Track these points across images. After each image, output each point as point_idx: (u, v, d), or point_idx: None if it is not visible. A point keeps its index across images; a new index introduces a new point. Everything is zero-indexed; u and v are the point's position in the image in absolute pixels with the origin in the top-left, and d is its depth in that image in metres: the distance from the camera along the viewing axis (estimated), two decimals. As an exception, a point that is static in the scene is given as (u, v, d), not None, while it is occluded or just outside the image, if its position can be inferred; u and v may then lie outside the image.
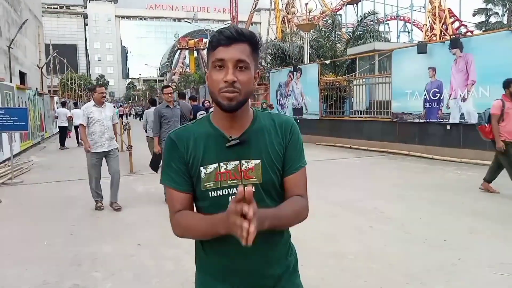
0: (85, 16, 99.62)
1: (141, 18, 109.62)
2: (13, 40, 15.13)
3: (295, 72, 15.47)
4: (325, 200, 6.08)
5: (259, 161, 1.26)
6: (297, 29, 25.68)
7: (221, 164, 1.25)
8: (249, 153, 1.26)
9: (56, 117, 16.43)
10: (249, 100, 1.28)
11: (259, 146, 1.27)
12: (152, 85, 73.03)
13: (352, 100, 16.80)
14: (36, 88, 17.66)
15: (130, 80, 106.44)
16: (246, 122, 1.29)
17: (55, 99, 22.93)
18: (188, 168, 1.28)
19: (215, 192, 1.26)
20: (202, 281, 1.43)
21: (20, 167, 9.83)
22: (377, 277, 3.48)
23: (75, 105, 17.79)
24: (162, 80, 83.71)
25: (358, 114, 14.03)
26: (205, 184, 1.26)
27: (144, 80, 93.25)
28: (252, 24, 43.70)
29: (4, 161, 10.46)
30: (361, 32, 20.69)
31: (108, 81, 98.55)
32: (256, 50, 1.24)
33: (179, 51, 79.53)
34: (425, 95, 10.67)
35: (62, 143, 15.12)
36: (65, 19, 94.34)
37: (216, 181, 1.25)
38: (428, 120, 10.62)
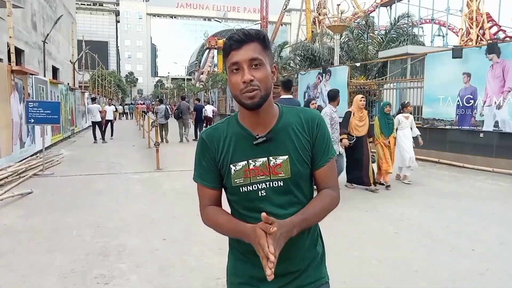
0: (117, 14, 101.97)
1: (171, 16, 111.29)
2: (48, 35, 15.66)
3: (324, 74, 15.39)
4: (350, 206, 6.06)
5: (286, 156, 1.33)
6: (327, 31, 25.54)
7: (250, 161, 1.34)
8: (276, 150, 1.33)
9: (88, 113, 17.02)
10: (271, 95, 1.32)
11: (286, 142, 1.34)
12: (180, 84, 74.02)
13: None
14: (68, 83, 18.19)
15: (158, 78, 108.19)
16: (272, 118, 1.36)
17: (86, 94, 23.63)
18: (219, 166, 1.38)
19: (245, 187, 1.35)
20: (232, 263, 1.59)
21: (51, 159, 10.21)
22: (400, 284, 3.47)
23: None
24: (190, 79, 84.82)
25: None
26: (235, 180, 1.35)
27: (173, 79, 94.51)
28: (282, 25, 43.68)
29: (36, 153, 10.90)
30: (394, 35, 20.42)
31: (137, 79, 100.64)
32: (266, 46, 1.30)
33: (208, 50, 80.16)
34: (458, 101, 10.43)
35: (95, 137, 15.72)
36: (98, 16, 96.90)
37: (246, 177, 1.34)
38: (460, 127, 10.38)
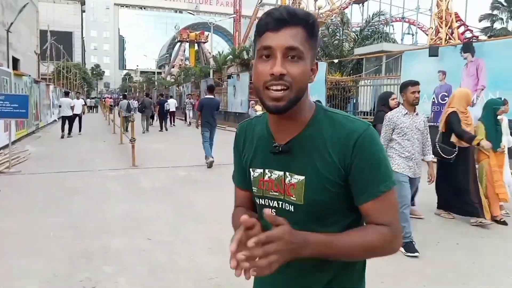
0: (83, 3, 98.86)
1: (140, 7, 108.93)
2: (11, 24, 14.96)
3: (300, 70, 15.46)
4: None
5: (303, 178, 1.06)
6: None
7: (266, 171, 1.13)
8: (293, 166, 1.08)
9: (59, 106, 16.61)
10: (305, 97, 1.05)
11: (305, 159, 1.07)
12: (150, 77, 72.74)
13: (355, 101, 16.87)
14: (29, 76, 17.42)
15: (126, 71, 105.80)
16: (299, 125, 1.08)
17: (51, 87, 22.80)
18: (244, 164, 1.22)
19: (259, 200, 1.17)
20: None
21: (17, 156, 9.78)
22: None
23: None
24: (160, 73, 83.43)
25: (363, 115, 14.08)
26: (253, 187, 1.18)
27: (142, 72, 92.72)
28: (256, 19, 43.55)
29: None
30: (368, 33, 20.75)
31: (103, 71, 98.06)
32: (313, 36, 1.02)
33: (179, 43, 79.22)
34: (433, 98, 10.72)
35: (63, 130, 15.32)
36: (62, 4, 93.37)
37: (259, 188, 1.15)
38: (436, 124, 10.67)
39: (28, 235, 4.53)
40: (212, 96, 9.37)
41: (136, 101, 29.89)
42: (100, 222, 5.06)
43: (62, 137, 14.95)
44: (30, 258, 3.88)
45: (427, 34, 38.70)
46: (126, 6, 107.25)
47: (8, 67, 13.84)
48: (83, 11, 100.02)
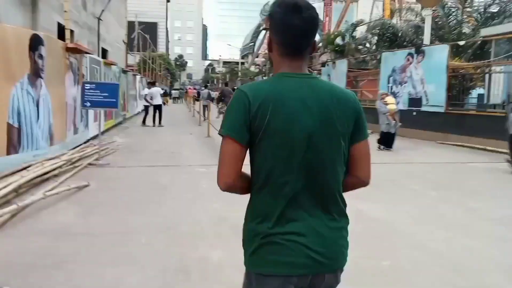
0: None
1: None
2: (102, 11, 15.71)
3: (415, 55, 14.15)
4: (479, 216, 5.17)
5: None
6: (412, 6, 23.92)
7: None
8: None
9: (147, 96, 17.59)
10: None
11: None
12: (233, 68, 74.13)
13: (480, 91, 15.12)
14: (117, 65, 18.23)
15: (209, 61, 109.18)
16: None
17: (138, 77, 23.85)
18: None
19: None
20: None
21: (106, 147, 10.01)
22: None
23: (151, 85, 19.48)
24: (243, 63, 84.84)
25: (493, 108, 12.51)
26: None
27: (224, 62, 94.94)
28: (352, 3, 41.97)
29: (88, 140, 10.80)
30: (495, 10, 18.60)
31: (186, 62, 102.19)
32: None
33: (264, 32, 79.58)
34: None
35: (154, 120, 16.89)
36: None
37: None
38: None
39: (117, 238, 4.26)
40: None
41: (216, 92, 30.98)
42: (193, 225, 4.68)
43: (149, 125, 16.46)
44: (121, 267, 3.56)
45: None
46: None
47: (99, 56, 14.56)
48: (168, 1, 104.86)
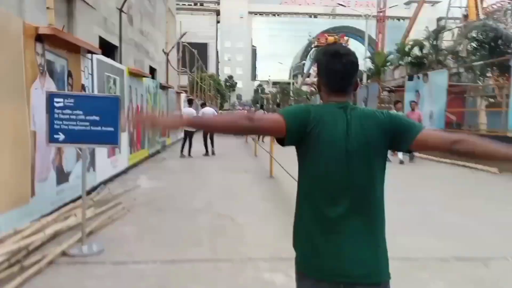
0: (218, 13, 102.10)
1: (274, 14, 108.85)
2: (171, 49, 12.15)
3: None
4: None
5: None
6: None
7: None
8: None
9: None
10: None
11: None
12: (284, 88, 70.12)
13: None
14: (151, 77, 14.76)
15: (258, 82, 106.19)
16: None
17: (183, 96, 20.11)
18: None
19: None
20: None
21: (115, 204, 5.90)
22: None
23: (202, 106, 16.01)
24: (293, 83, 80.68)
25: None
26: None
27: (274, 83, 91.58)
28: (399, 20, 37.09)
29: (98, 186, 6.85)
30: None
31: (236, 83, 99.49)
32: None
33: (314, 49, 75.60)
34: None
35: (183, 150, 12.83)
36: (198, 16, 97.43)
37: None
38: None
39: None
40: None
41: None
42: None
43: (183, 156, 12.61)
44: None
45: None
46: (260, 14, 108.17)
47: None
48: (218, 22, 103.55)
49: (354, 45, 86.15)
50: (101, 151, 7.28)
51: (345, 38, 67.49)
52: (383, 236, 1.64)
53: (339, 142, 1.58)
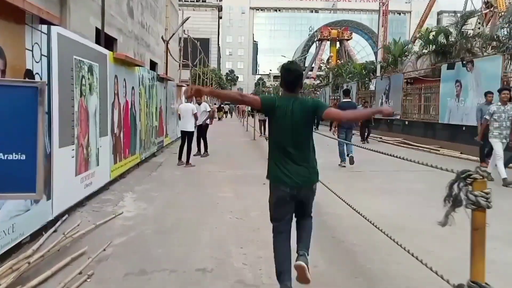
0: (220, 9, 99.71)
1: (275, 9, 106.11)
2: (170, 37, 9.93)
3: None
4: None
5: None
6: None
7: None
8: None
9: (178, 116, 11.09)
10: None
11: None
12: (286, 81, 67.81)
13: None
14: (145, 67, 12.64)
15: (259, 76, 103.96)
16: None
17: (183, 89, 17.80)
18: None
19: None
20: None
21: (59, 266, 3.66)
22: None
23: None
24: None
25: None
26: None
27: (275, 77, 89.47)
28: (399, 14, 34.84)
29: (47, 227, 4.63)
30: None
31: (237, 77, 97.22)
32: None
33: (316, 44, 73.23)
34: None
35: (181, 157, 10.01)
36: (200, 12, 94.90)
37: None
38: None
39: None
40: (349, 100, 10.87)
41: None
42: None
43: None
44: None
45: None
46: (261, 10, 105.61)
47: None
48: (219, 17, 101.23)
49: (355, 38, 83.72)
50: (62, 164, 5.02)
51: (348, 31, 65.00)
52: (313, 162, 3.07)
53: (288, 117, 2.94)
